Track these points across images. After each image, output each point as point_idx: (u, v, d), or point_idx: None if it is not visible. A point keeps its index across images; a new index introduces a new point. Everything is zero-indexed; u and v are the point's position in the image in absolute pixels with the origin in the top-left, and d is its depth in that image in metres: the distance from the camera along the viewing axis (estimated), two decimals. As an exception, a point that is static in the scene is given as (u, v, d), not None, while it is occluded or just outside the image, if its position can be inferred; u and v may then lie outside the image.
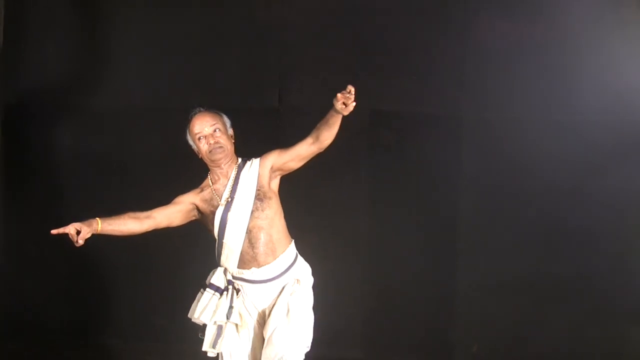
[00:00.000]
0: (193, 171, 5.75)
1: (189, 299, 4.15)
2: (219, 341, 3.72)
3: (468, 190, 5.67)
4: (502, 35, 5.65)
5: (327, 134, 3.87)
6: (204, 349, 3.76)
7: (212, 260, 4.04)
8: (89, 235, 3.55)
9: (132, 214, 3.79)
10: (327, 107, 5.68)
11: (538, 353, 5.66)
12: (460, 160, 5.69)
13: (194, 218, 3.95)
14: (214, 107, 5.80)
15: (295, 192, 5.60)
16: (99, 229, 3.61)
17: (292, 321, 3.76)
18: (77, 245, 3.53)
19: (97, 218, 3.63)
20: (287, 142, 5.72)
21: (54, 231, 3.51)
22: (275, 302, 3.79)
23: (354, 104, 3.70)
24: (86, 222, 3.56)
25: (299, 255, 3.95)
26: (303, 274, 3.91)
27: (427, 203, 5.70)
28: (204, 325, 3.80)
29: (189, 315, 3.86)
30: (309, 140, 3.91)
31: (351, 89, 3.66)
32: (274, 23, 5.84)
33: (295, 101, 5.84)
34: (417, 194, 5.58)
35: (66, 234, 3.49)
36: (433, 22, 5.72)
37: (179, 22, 5.95)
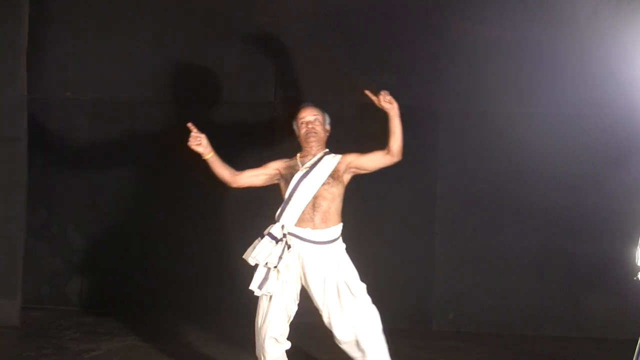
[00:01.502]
0: (193, 158, 6.09)
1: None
2: (265, 284, 4.17)
3: (444, 174, 6.02)
4: (475, 35, 6.03)
5: (392, 140, 4.34)
6: (250, 287, 4.17)
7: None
8: (200, 149, 4.27)
9: (231, 169, 4.40)
10: (318, 101, 5.99)
11: (508, 320, 6.02)
12: (437, 148, 6.05)
13: (275, 182, 4.45)
14: (216, 100, 6.13)
15: None
16: (208, 157, 4.31)
17: (353, 295, 4.24)
18: (189, 144, 4.24)
19: (213, 152, 4.30)
20: (281, 132, 6.10)
21: (190, 125, 4.25)
22: (318, 276, 4.23)
23: (393, 102, 4.26)
24: (207, 143, 4.29)
25: (341, 238, 4.38)
26: (341, 251, 4.36)
27: (408, 186, 6.02)
28: (254, 269, 4.21)
29: (244, 256, 4.28)
30: (384, 150, 4.38)
31: (383, 93, 4.24)
32: (270, 25, 6.18)
33: (288, 95, 6.17)
34: (398, 179, 5.84)
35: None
36: (413, 24, 6.07)
37: (184, 24, 6.29)
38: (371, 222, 5.98)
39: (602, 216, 5.82)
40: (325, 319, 4.30)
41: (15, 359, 5.04)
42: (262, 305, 4.28)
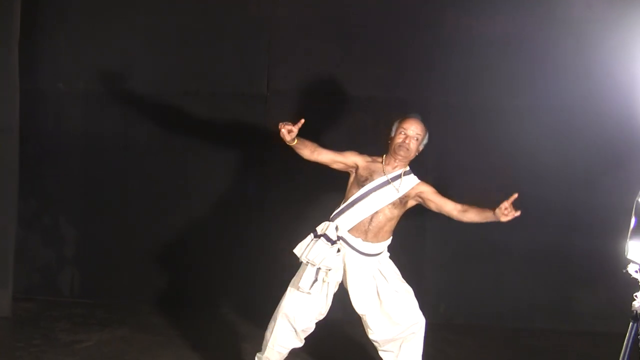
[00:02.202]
0: (186, 150, 6.15)
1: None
2: (314, 284, 4.18)
3: (436, 167, 5.94)
4: (468, 28, 6.03)
5: (472, 218, 4.29)
6: (302, 287, 4.17)
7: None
8: (289, 135, 4.19)
9: (312, 145, 4.34)
10: (311, 94, 6.01)
11: (499, 313, 6.07)
12: (429, 140, 6.03)
13: (348, 171, 4.42)
14: (209, 92, 6.13)
15: (284, 166, 6.00)
16: (294, 144, 4.26)
17: (399, 293, 4.33)
18: (287, 136, 4.19)
19: (297, 138, 4.23)
20: (274, 124, 6.07)
21: (282, 124, 4.20)
22: (358, 282, 4.28)
23: (515, 214, 4.12)
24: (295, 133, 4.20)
25: (386, 250, 4.45)
26: (385, 260, 4.42)
27: None
28: (303, 268, 4.22)
29: (297, 252, 4.25)
30: (458, 207, 4.32)
31: (513, 213, 4.12)
32: (264, 17, 6.15)
33: (282, 88, 6.17)
34: None
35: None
36: (405, 17, 6.06)
37: (178, 16, 6.24)
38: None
39: (593, 209, 5.86)
40: (368, 321, 4.34)
41: (6, 349, 5.03)
42: (294, 297, 4.28)
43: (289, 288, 4.32)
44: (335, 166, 4.41)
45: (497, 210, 4.08)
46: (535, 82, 5.98)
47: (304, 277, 4.20)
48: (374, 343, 4.39)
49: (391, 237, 4.43)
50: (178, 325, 5.73)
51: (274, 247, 5.96)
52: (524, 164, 5.89)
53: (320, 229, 4.29)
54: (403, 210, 4.40)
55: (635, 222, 3.49)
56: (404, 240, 5.87)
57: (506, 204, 4.06)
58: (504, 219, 4.09)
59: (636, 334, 3.49)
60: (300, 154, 4.35)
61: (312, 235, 4.29)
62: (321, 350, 5.06)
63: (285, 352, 4.34)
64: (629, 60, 5.21)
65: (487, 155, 5.94)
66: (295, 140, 4.23)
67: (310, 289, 4.20)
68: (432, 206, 4.38)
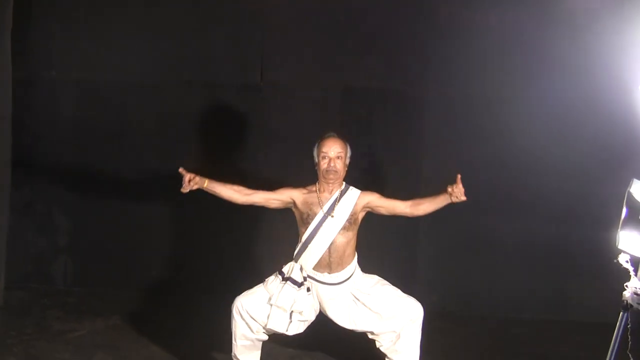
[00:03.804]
0: (179, 140, 6.13)
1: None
2: (290, 325, 4.20)
3: (430, 158, 6.01)
4: (462, 19, 6.01)
5: (427, 209, 4.33)
6: (278, 330, 4.19)
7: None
8: (195, 187, 4.20)
9: (237, 187, 4.32)
10: (304, 84, 6.02)
11: (491, 302, 6.09)
12: (423, 131, 6.06)
13: (288, 207, 4.41)
14: (202, 82, 6.13)
15: (278, 159, 6.01)
16: (205, 185, 4.25)
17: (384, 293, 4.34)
18: (183, 190, 4.20)
19: (207, 179, 4.22)
20: (268, 115, 6.12)
21: (181, 170, 4.19)
22: (339, 309, 4.31)
23: (464, 198, 4.17)
24: (199, 178, 4.20)
25: (357, 267, 4.44)
26: (358, 277, 4.41)
27: (393, 170, 6.04)
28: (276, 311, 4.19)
29: (270, 302, 4.18)
30: (408, 204, 4.35)
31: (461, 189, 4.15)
32: (257, 7, 6.12)
33: (275, 78, 6.16)
34: (384, 162, 5.92)
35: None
36: (401, 8, 6.03)
37: (172, 6, 6.22)
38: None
39: (585, 200, 5.87)
40: (361, 330, 4.37)
41: (-1, 337, 5.04)
42: (259, 301, 4.28)
43: (259, 288, 4.33)
44: (272, 205, 4.41)
45: (448, 194, 4.18)
46: (531, 74, 5.97)
47: (279, 321, 4.20)
48: (372, 337, 4.41)
49: (356, 255, 4.43)
50: (170, 315, 5.75)
51: (269, 237, 6.00)
52: (519, 155, 5.89)
53: (286, 270, 4.30)
54: (357, 228, 4.40)
55: (627, 212, 3.51)
56: (397, 231, 6.03)
57: (453, 187, 4.15)
58: (455, 200, 4.17)
59: (626, 324, 3.50)
60: (226, 198, 4.34)
61: (280, 277, 4.29)
62: (314, 341, 5.07)
63: (250, 343, 4.33)
64: (625, 52, 5.20)
65: (481, 147, 5.94)
66: (205, 182, 4.25)
67: (287, 331, 4.23)
68: (383, 211, 4.39)
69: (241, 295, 4.29)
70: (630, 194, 3.50)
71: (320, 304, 4.35)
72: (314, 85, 6.09)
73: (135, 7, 6.28)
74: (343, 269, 4.32)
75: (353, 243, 4.39)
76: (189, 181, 4.17)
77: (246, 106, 6.17)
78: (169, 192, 6.18)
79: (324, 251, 4.27)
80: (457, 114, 6.05)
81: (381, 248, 5.97)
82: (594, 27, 5.78)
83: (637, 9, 5.41)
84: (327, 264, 4.29)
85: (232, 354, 4.36)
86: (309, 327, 4.45)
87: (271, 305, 4.20)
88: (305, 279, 4.27)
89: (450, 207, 5.75)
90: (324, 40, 6.12)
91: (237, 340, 4.30)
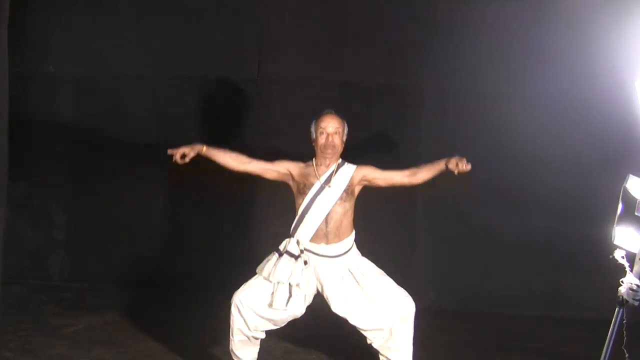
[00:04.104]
0: (177, 134, 6.08)
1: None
2: (290, 300, 4.18)
3: (427, 153, 5.68)
4: (459, 13, 6.03)
5: (425, 177, 4.32)
6: (276, 306, 4.16)
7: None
8: (193, 155, 4.19)
9: (234, 154, 4.33)
10: (301, 78, 6.01)
11: (488, 298, 6.10)
12: (420, 126, 6.07)
13: (285, 180, 4.40)
14: (199, 76, 6.13)
15: (274, 154, 5.97)
16: (204, 151, 4.25)
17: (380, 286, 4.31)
18: (180, 162, 4.18)
19: (204, 145, 4.21)
20: (265, 108, 6.11)
21: (169, 151, 4.18)
22: (335, 286, 4.27)
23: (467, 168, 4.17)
24: (192, 146, 4.20)
25: (354, 245, 4.43)
26: (356, 257, 4.40)
27: (390, 163, 5.91)
28: (276, 288, 4.18)
29: (263, 275, 4.22)
30: (405, 173, 4.36)
31: (468, 167, 4.17)
32: (255, 2, 6.15)
33: (272, 72, 6.17)
34: (380, 156, 5.68)
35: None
36: (399, 3, 6.05)
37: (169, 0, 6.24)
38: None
39: (582, 196, 5.88)
40: (352, 321, 4.33)
41: (-5, 333, 5.04)
42: (256, 291, 4.27)
43: (255, 279, 4.32)
44: (268, 175, 4.41)
45: (449, 164, 4.19)
46: (528, 68, 5.98)
47: (278, 296, 4.19)
48: (363, 333, 4.38)
49: (354, 232, 4.42)
50: (167, 309, 5.75)
51: (268, 230, 5.98)
52: (516, 151, 5.91)
53: (282, 246, 4.31)
54: (354, 200, 4.40)
55: (622, 208, 3.49)
56: (394, 227, 6.09)
57: (457, 160, 4.17)
58: (452, 166, 4.18)
59: (622, 319, 3.50)
60: (224, 164, 4.34)
61: (276, 254, 4.30)
62: (309, 337, 5.07)
63: (246, 339, 4.31)
64: (624, 47, 5.18)
65: (479, 142, 5.91)
66: (204, 148, 4.26)
67: (286, 306, 4.20)
68: (381, 183, 4.40)
69: (239, 290, 4.28)
70: (626, 190, 3.49)
71: (318, 280, 4.32)
72: (311, 80, 6.08)
73: (132, 1, 6.28)
74: (340, 240, 4.31)
75: (350, 215, 4.38)
76: (181, 157, 4.20)
77: (243, 100, 6.16)
78: (168, 186, 6.29)
79: (320, 221, 4.27)
80: (454, 109, 6.06)
81: (378, 245, 5.72)
82: (592, 21, 5.75)
83: (635, 1, 5.39)
84: (324, 234, 4.28)
85: (230, 349, 4.35)
86: (304, 324, 4.45)
87: (270, 282, 4.21)
88: (302, 252, 4.26)
89: (447, 202, 6.02)
90: (322, 35, 6.12)
91: (234, 335, 4.29)
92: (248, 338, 4.30)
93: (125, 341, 5.02)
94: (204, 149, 4.26)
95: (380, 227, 6.00)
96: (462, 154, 5.71)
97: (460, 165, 4.16)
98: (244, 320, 4.24)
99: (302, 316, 4.37)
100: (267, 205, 6.02)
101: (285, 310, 4.21)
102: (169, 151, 4.21)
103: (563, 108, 5.91)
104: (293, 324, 4.43)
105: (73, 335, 5.09)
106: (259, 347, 4.41)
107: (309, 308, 4.41)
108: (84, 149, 6.33)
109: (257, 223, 6.05)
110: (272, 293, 4.20)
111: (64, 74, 6.31)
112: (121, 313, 5.60)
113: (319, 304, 4.49)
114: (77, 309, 5.69)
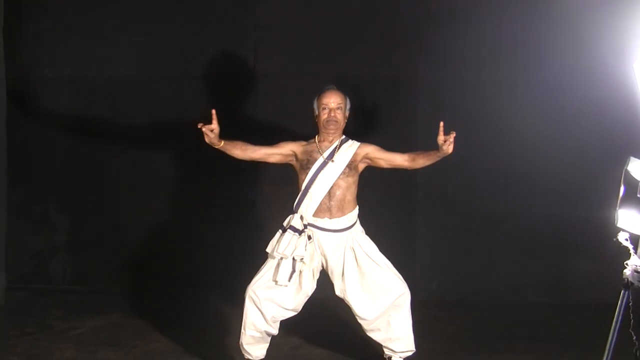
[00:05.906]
0: (174, 134, 6.12)
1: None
2: (293, 275, 4.22)
3: (426, 142, 5.69)
4: (454, 5, 6.03)
5: (423, 163, 4.38)
6: (279, 281, 4.20)
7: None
8: (213, 137, 4.21)
9: (242, 145, 4.37)
10: (297, 72, 6.01)
11: (491, 287, 6.10)
12: (418, 115, 6.07)
13: (289, 161, 4.46)
14: (195, 73, 6.13)
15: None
16: (221, 145, 4.29)
17: (378, 267, 4.35)
18: (205, 129, 4.18)
19: (222, 141, 4.25)
20: (262, 104, 6.10)
21: (200, 125, 4.19)
22: (338, 261, 4.32)
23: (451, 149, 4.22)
24: (217, 135, 4.23)
25: (358, 221, 4.47)
26: (359, 234, 4.44)
27: None
28: (279, 263, 4.22)
29: (268, 250, 4.31)
30: (405, 157, 4.40)
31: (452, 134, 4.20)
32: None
33: (268, 67, 6.17)
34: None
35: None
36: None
37: None
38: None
39: (583, 181, 5.88)
40: (350, 301, 4.35)
41: (0, 338, 5.01)
42: (267, 281, 4.29)
43: (264, 267, 4.34)
44: (273, 159, 4.46)
45: (441, 148, 4.21)
46: (525, 55, 5.99)
47: (281, 270, 4.22)
48: (362, 322, 4.40)
49: (357, 207, 4.45)
50: (171, 310, 5.75)
51: (268, 231, 5.97)
52: (514, 139, 5.88)
53: (286, 222, 4.35)
54: (357, 176, 4.43)
55: (624, 190, 3.49)
56: (395, 218, 6.09)
57: (443, 137, 4.19)
58: (447, 147, 4.21)
59: (627, 302, 3.49)
60: (232, 155, 4.39)
61: (280, 231, 4.34)
62: (316, 331, 5.07)
63: (258, 335, 4.32)
64: (618, 31, 5.17)
65: (476, 132, 5.90)
66: (222, 142, 4.29)
67: (289, 281, 4.22)
68: (382, 163, 4.43)
69: (251, 282, 4.30)
70: (627, 172, 3.48)
71: (322, 255, 4.35)
72: (307, 75, 6.05)
73: (126, 2, 6.29)
74: (343, 215, 4.35)
75: (354, 190, 4.42)
76: (211, 131, 4.21)
77: (240, 94, 6.16)
78: (168, 188, 6.29)
79: (324, 195, 4.32)
80: (450, 98, 6.04)
81: (378, 234, 5.83)
82: (590, 8, 5.75)
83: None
84: (327, 207, 4.32)
85: (240, 343, 4.35)
86: (310, 317, 4.47)
87: (274, 258, 4.26)
88: (305, 227, 4.29)
89: (448, 190, 6.05)
90: (316, 28, 6.12)
91: (246, 329, 4.30)
92: (261, 333, 4.31)
93: (130, 342, 5.00)
94: (222, 144, 4.30)
95: (381, 219, 5.80)
96: (459, 144, 5.82)
97: (448, 138, 4.20)
98: (260, 311, 4.26)
99: (309, 311, 4.39)
100: (269, 205, 6.03)
101: (287, 286, 4.22)
102: (200, 125, 4.21)
103: (562, 93, 5.90)
104: (300, 319, 4.43)
105: (79, 338, 5.08)
106: (268, 344, 4.41)
107: (315, 302, 4.43)
108: (82, 151, 6.32)
109: (263, 222, 6.00)
110: (276, 267, 4.24)
111: (59, 78, 6.32)
112: (126, 314, 5.61)
113: (326, 298, 4.51)
114: (82, 311, 5.68)
